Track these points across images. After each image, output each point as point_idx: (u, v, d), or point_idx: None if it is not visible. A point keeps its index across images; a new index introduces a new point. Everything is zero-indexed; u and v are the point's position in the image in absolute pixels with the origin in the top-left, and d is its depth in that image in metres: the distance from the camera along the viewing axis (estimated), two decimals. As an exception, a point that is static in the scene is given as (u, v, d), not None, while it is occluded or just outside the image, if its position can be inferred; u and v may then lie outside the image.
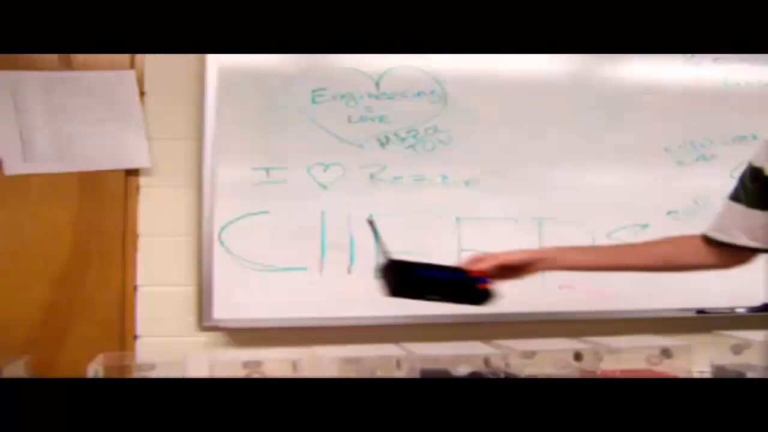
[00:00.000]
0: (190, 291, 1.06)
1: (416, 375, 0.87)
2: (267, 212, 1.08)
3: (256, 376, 0.77)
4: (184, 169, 1.09)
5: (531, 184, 1.18)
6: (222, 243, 1.07)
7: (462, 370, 0.96)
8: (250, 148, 1.09)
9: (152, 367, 0.83)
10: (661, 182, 1.23)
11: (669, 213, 1.22)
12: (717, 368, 1.09)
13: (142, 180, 1.08)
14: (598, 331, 1.17)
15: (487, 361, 1.01)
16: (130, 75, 1.09)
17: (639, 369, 0.96)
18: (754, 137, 1.26)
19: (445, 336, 1.13)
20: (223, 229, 1.07)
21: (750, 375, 0.95)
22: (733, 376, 0.95)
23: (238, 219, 1.07)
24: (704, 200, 1.23)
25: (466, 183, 1.16)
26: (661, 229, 1.19)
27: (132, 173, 1.08)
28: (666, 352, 0.98)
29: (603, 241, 1.19)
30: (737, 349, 1.00)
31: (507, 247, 1.13)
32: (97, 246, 1.05)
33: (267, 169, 1.09)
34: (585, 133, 1.20)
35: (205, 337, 1.06)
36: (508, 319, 1.13)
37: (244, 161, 1.08)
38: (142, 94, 1.09)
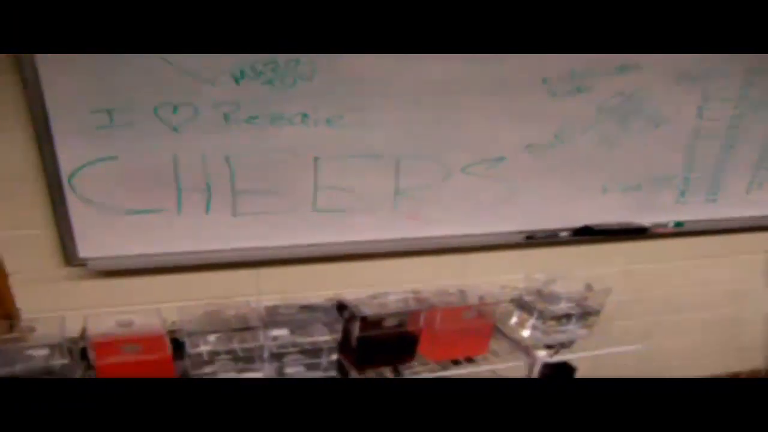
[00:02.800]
0: (51, 233, 1.21)
1: (266, 314, 1.19)
2: (115, 157, 1.18)
3: (128, 334, 1.07)
4: (11, 111, 1.10)
5: (393, 120, 1.31)
6: (73, 189, 1.17)
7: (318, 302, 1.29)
8: (84, 86, 1.10)
9: (32, 329, 1.10)
10: (527, 115, 1.40)
11: (528, 147, 1.44)
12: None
13: (-35, 125, 1.11)
14: (442, 252, 1.52)
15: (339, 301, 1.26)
16: None
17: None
18: (638, 66, 1.43)
19: (303, 264, 1.42)
20: (72, 175, 1.16)
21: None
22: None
23: (86, 165, 1.16)
24: (565, 136, 1.46)
25: (328, 121, 1.29)
26: (517, 162, 1.45)
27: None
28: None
29: (458, 176, 1.44)
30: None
31: (364, 185, 1.34)
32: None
33: (109, 111, 1.14)
34: (460, 64, 1.29)
35: (75, 272, 1.26)
36: (364, 249, 1.42)
37: (80, 102, 1.11)
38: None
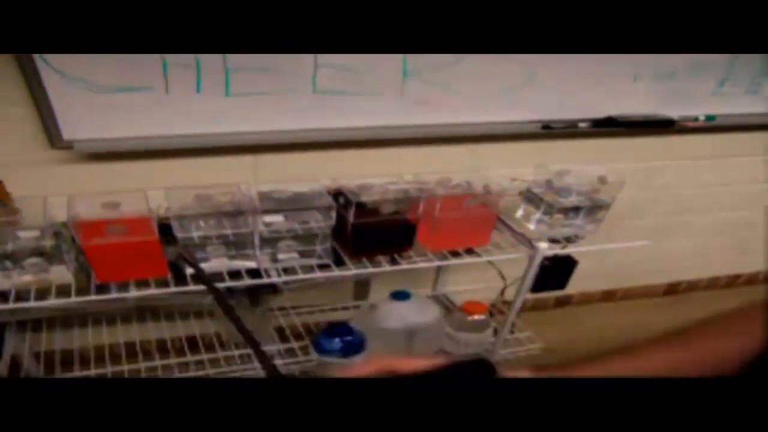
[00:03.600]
0: (31, 112, 1.15)
1: (259, 199, 1.16)
2: (89, 27, 1.11)
3: (114, 217, 1.06)
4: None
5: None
6: (46, 62, 1.10)
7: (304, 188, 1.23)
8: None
9: (18, 211, 1.08)
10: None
11: (547, 23, 1.33)
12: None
13: None
14: (450, 142, 1.45)
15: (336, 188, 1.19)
16: None
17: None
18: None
19: (302, 151, 1.37)
20: (42, 45, 1.11)
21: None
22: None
23: (56, 35, 1.10)
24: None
25: (323, -11, 1.17)
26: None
27: None
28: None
29: (472, 57, 1.27)
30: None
31: (369, 64, 1.19)
32: None
33: (73, -29, 1.05)
34: None
35: (61, 156, 1.22)
36: (367, 135, 1.33)
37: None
38: None
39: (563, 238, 1.33)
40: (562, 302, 2.07)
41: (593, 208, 1.33)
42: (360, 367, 0.46)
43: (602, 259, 1.97)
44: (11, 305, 0.97)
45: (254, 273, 1.08)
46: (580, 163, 1.35)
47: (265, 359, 0.47)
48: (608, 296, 2.13)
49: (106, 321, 1.49)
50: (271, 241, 1.07)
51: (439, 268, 1.65)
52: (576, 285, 1.48)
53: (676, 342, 0.53)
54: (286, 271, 1.10)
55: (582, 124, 1.45)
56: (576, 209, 1.31)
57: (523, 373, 0.45)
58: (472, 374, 0.43)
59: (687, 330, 0.53)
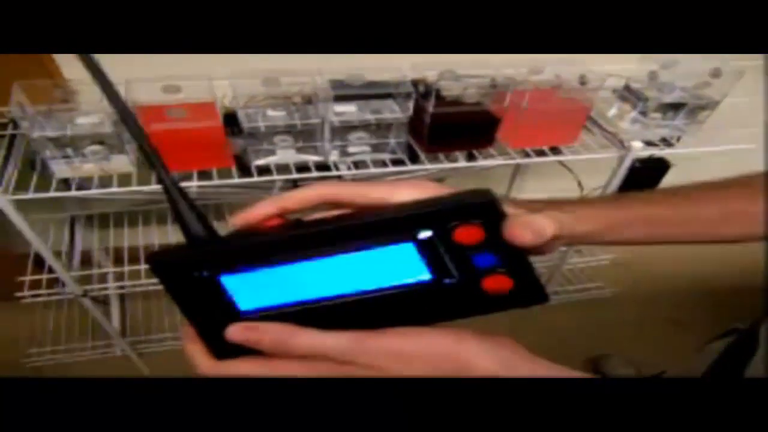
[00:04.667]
0: None
1: (331, 87, 1.04)
2: None
3: (174, 102, 0.98)
4: None
5: None
6: None
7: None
8: None
9: (74, 94, 1.01)
10: None
11: None
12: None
13: None
14: None
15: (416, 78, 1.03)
16: None
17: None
18: None
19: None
20: None
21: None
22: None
23: None
24: None
25: None
26: None
27: None
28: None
29: None
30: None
31: None
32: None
33: None
34: None
35: None
36: None
37: None
38: None
39: (661, 139, 1.18)
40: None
41: (697, 108, 1.15)
42: (300, 191, 0.33)
43: (690, 171, 1.77)
44: (74, 192, 0.93)
45: (323, 167, 1.00)
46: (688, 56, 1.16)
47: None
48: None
49: (171, 219, 1.47)
50: (341, 132, 0.97)
51: (515, 172, 1.52)
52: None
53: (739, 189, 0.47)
54: (357, 165, 1.01)
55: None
56: (676, 107, 1.14)
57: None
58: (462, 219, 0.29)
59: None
